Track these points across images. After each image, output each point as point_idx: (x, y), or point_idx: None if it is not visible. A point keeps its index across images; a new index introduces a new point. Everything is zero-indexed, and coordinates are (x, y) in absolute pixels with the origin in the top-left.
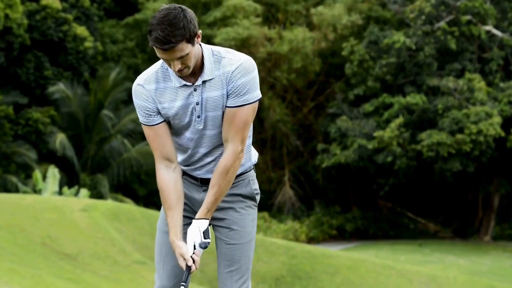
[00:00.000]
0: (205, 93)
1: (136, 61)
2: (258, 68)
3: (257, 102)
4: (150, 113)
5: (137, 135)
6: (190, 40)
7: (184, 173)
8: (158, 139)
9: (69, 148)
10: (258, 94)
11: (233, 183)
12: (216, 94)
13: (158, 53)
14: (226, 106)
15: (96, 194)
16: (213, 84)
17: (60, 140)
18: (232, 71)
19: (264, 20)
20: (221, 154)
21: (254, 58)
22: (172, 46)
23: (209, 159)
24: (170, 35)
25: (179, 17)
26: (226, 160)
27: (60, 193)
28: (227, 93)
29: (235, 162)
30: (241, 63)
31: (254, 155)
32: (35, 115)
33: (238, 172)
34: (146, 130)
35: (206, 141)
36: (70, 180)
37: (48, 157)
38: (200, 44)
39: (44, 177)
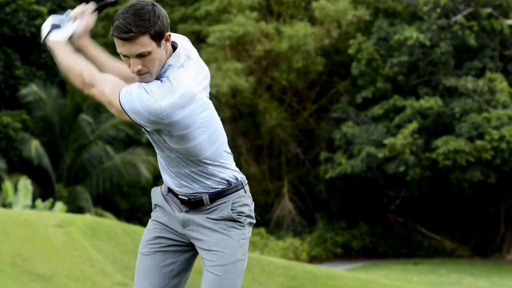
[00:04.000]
0: None
1: (118, 58)
2: (253, 67)
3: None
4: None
5: (119, 142)
6: (155, 38)
7: (170, 190)
8: None
9: (44, 157)
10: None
11: (212, 208)
12: None
13: (118, 45)
14: None
15: (74, 208)
16: None
17: (35, 147)
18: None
19: (261, 13)
20: (187, 172)
21: (250, 56)
22: (132, 36)
23: (173, 169)
24: (132, 24)
25: (146, 9)
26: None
27: (32, 206)
28: None
29: (77, 75)
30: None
31: (236, 174)
32: (5, 119)
33: (215, 193)
34: None
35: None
36: (44, 192)
37: (19, 166)
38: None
39: (15, 189)
